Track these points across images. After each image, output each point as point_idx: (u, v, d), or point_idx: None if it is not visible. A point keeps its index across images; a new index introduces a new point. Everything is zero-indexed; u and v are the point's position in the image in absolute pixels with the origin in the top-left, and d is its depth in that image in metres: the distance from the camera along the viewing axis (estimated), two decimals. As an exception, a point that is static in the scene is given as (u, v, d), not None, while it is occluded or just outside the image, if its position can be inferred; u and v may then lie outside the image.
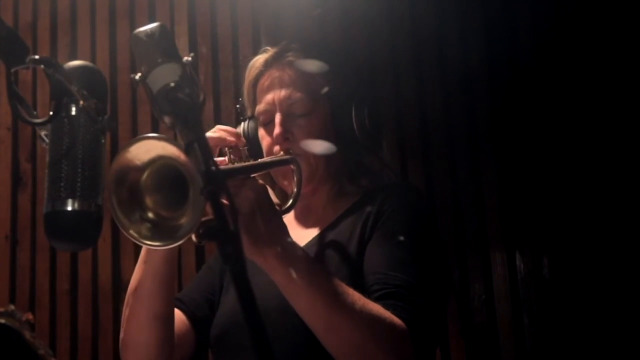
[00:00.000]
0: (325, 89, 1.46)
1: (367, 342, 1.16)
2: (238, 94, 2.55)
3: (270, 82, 1.47)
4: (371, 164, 1.50)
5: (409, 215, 1.38)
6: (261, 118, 1.48)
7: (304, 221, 1.51)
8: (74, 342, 2.59)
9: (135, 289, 1.33)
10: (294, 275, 1.15)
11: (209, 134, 1.32)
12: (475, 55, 2.33)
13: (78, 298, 2.62)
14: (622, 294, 2.07)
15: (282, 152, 1.43)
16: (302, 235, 1.45)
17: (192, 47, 2.64)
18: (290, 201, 1.39)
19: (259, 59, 1.51)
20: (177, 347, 1.40)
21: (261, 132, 1.49)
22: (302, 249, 1.22)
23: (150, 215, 1.03)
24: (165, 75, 0.89)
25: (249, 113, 1.55)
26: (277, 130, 1.43)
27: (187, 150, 0.82)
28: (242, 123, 1.54)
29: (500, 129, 2.29)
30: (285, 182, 1.46)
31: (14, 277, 2.70)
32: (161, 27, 0.93)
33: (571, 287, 2.13)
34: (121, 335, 1.38)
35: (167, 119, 0.88)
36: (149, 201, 1.03)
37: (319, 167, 1.45)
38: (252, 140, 1.50)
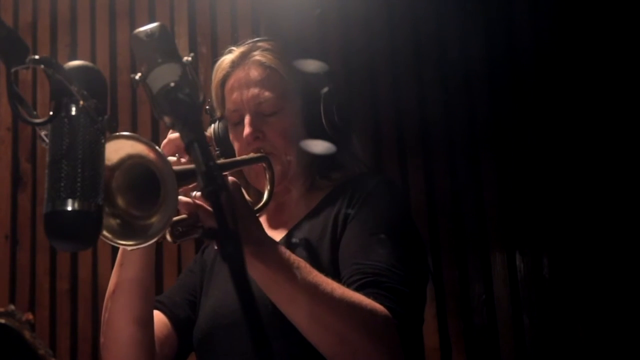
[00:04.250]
0: (293, 87, 1.46)
1: (350, 330, 1.16)
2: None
3: (238, 83, 1.47)
4: (342, 159, 1.50)
5: (381, 204, 1.38)
6: (231, 119, 1.48)
7: (278, 219, 1.51)
8: (74, 342, 2.59)
9: (114, 292, 1.32)
10: (272, 270, 1.15)
11: (173, 135, 1.30)
12: (475, 55, 2.33)
13: (78, 298, 2.62)
14: (622, 294, 2.07)
15: (252, 153, 1.43)
16: (275, 233, 1.45)
17: (192, 47, 2.64)
18: (264, 199, 1.39)
19: (226, 60, 1.51)
20: (160, 348, 1.39)
21: (232, 133, 1.49)
22: (277, 243, 1.22)
23: (123, 215, 1.03)
24: (165, 75, 0.89)
25: (218, 114, 1.55)
26: (246, 130, 1.43)
27: (187, 150, 0.82)
28: (212, 125, 1.54)
29: (500, 129, 2.29)
30: (258, 182, 1.46)
31: (14, 277, 2.70)
32: (161, 27, 0.93)
33: (571, 287, 2.13)
34: (101, 339, 1.36)
35: (167, 119, 0.88)
36: (120, 202, 1.03)
37: (291, 165, 1.45)
38: (223, 141, 1.51)
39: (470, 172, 2.29)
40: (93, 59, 2.74)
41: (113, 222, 1.03)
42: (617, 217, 2.11)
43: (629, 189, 2.12)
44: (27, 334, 0.98)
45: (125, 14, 2.77)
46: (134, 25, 2.70)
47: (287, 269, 1.16)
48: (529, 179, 2.23)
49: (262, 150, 1.43)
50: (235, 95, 1.46)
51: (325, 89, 1.47)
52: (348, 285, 1.23)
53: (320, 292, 1.16)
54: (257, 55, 1.47)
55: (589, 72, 2.21)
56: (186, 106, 0.86)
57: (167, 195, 1.00)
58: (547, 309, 2.15)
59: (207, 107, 1.57)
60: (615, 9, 2.20)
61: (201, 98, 0.91)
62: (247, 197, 1.23)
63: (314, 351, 1.19)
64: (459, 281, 2.24)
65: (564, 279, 2.15)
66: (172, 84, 0.88)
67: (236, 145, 1.48)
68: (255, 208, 1.36)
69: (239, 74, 1.47)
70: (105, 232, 1.02)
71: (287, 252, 1.20)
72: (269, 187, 1.40)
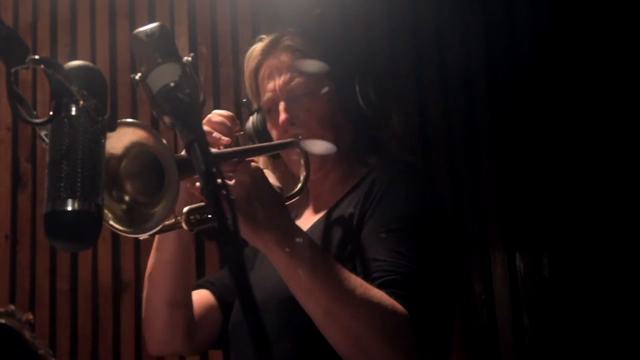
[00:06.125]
0: (326, 68, 1.43)
1: (366, 332, 1.12)
2: (238, 94, 2.56)
3: (270, 71, 1.45)
4: (383, 139, 1.46)
5: (402, 196, 1.31)
6: (266, 108, 1.47)
7: (317, 205, 1.48)
8: (74, 342, 2.59)
9: (150, 274, 1.36)
10: (293, 259, 1.12)
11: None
12: (475, 56, 2.33)
13: (78, 298, 2.62)
14: (622, 294, 2.07)
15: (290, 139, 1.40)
16: (314, 219, 1.43)
17: (192, 47, 2.64)
18: (299, 185, 1.36)
19: (256, 48, 1.49)
20: (204, 327, 1.42)
21: (269, 123, 1.47)
22: (304, 232, 1.19)
23: (129, 201, 1.03)
24: (165, 75, 0.89)
25: (255, 106, 1.53)
26: (282, 116, 1.40)
27: (187, 150, 0.82)
28: (250, 117, 1.52)
29: (500, 130, 2.29)
30: (296, 168, 1.43)
31: (14, 277, 2.70)
32: (161, 27, 0.92)
33: (571, 287, 2.13)
34: (143, 314, 1.42)
35: (167, 119, 0.88)
36: (129, 188, 1.03)
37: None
38: (262, 133, 1.49)
39: (470, 173, 2.29)
40: (93, 59, 2.74)
41: (118, 206, 1.02)
42: (617, 216, 2.11)
43: (629, 189, 2.12)
44: (27, 334, 0.98)
45: (125, 14, 2.77)
46: (134, 25, 2.70)
47: (309, 260, 1.13)
48: (529, 179, 2.23)
49: (299, 137, 1.39)
50: (268, 83, 1.44)
51: (360, 67, 1.44)
52: (370, 282, 1.18)
53: (340, 288, 1.12)
54: (287, 41, 1.45)
55: (589, 73, 2.21)
56: (186, 106, 0.86)
57: (170, 183, 0.99)
58: (547, 309, 2.15)
59: (244, 100, 1.56)
60: (615, 9, 2.20)
61: (201, 98, 0.90)
62: (275, 182, 1.20)
63: (320, 353, 1.17)
64: (459, 281, 2.23)
65: (564, 279, 2.15)
66: (172, 84, 0.88)
67: (274, 134, 1.45)
68: (290, 194, 1.34)
69: (271, 61, 1.45)
70: (112, 223, 1.01)
71: (313, 242, 1.17)
72: (304, 173, 1.37)
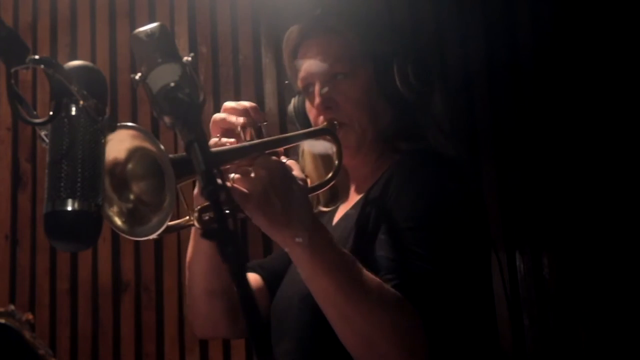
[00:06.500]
0: (363, 49, 1.41)
1: (377, 334, 1.11)
2: (238, 93, 2.56)
3: (308, 52, 1.44)
4: (422, 123, 1.41)
5: (422, 192, 1.26)
6: (304, 90, 1.45)
7: (357, 189, 1.46)
8: (74, 342, 2.59)
9: (189, 264, 1.38)
10: (310, 257, 1.10)
11: (216, 116, 1.30)
12: (475, 57, 2.33)
13: (78, 298, 2.62)
14: (623, 294, 2.07)
15: (325, 123, 1.38)
16: (352, 203, 1.42)
17: (192, 47, 2.64)
18: (330, 174, 1.34)
19: (294, 30, 1.48)
20: None
21: (307, 103, 1.45)
22: (323, 228, 1.16)
23: (133, 200, 1.03)
24: (165, 75, 0.89)
25: (296, 89, 1.51)
26: (317, 99, 1.39)
27: (186, 150, 0.82)
28: (292, 100, 1.51)
29: (500, 130, 2.29)
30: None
31: (14, 277, 2.70)
32: (161, 27, 0.93)
33: (571, 287, 2.13)
34: (186, 301, 1.48)
35: (167, 119, 0.88)
36: (134, 189, 1.03)
37: (366, 134, 1.39)
38: (303, 116, 1.47)
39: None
40: (93, 59, 2.74)
41: (123, 205, 1.03)
42: (617, 216, 2.11)
43: (629, 188, 2.12)
44: (27, 334, 0.99)
45: (125, 14, 2.77)
46: (134, 25, 2.70)
47: (326, 258, 1.11)
48: (529, 179, 2.23)
49: (335, 121, 1.38)
50: (305, 64, 1.43)
51: (400, 49, 1.40)
52: (385, 282, 1.16)
53: (355, 289, 1.11)
54: (325, 21, 1.45)
55: (590, 72, 2.21)
56: (186, 106, 0.86)
57: (168, 183, 0.99)
58: (547, 309, 2.15)
59: (287, 82, 1.55)
60: (616, 10, 2.20)
61: (201, 98, 0.91)
62: (300, 174, 1.17)
63: (334, 352, 1.16)
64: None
65: (564, 279, 2.15)
66: (172, 84, 0.88)
67: (311, 116, 1.44)
68: (320, 182, 1.34)
69: (309, 42, 1.45)
70: (116, 221, 1.01)
71: (330, 240, 1.14)
72: (336, 162, 1.35)
